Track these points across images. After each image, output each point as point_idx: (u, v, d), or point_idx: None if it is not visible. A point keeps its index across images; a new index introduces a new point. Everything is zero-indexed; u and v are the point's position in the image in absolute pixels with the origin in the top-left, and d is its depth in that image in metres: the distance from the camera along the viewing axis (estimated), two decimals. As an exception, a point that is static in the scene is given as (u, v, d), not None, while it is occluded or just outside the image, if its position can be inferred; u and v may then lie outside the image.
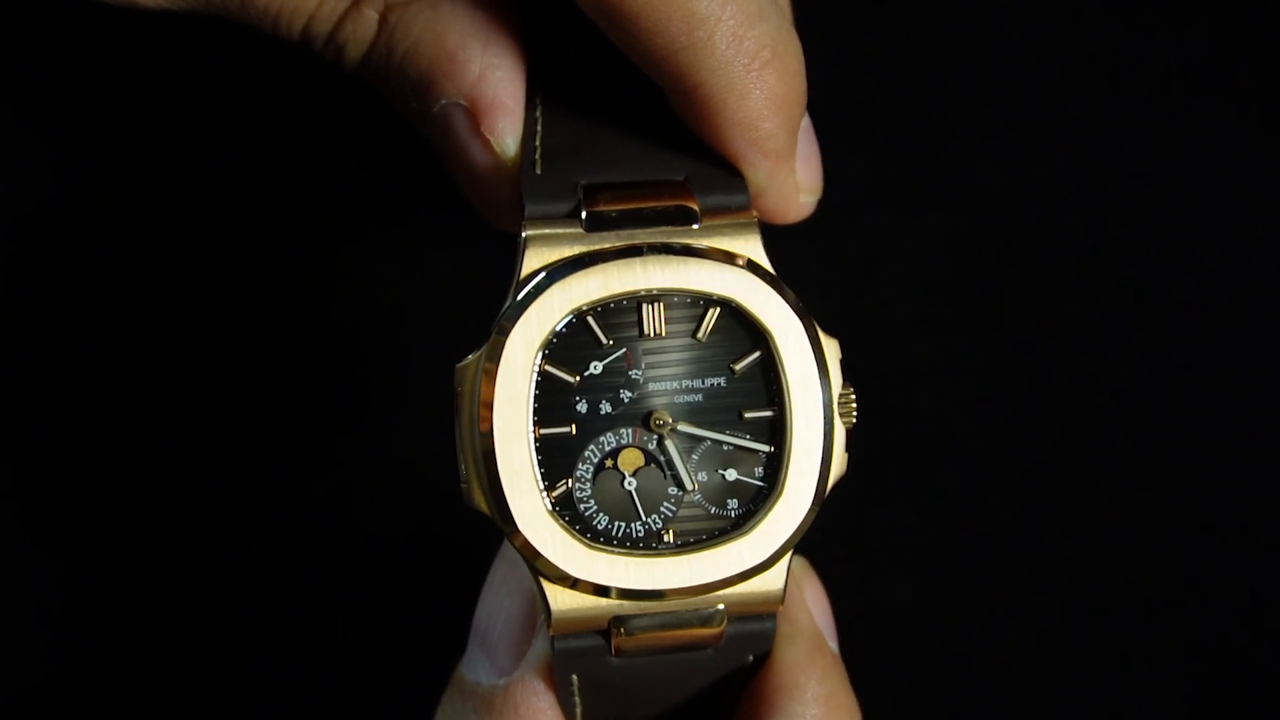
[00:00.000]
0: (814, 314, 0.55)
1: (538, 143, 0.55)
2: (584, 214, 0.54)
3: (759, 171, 0.56)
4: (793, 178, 0.57)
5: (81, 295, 0.71)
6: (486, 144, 0.55)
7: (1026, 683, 0.76)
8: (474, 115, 0.55)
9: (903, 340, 0.76)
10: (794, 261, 0.57)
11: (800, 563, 0.60)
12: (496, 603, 0.58)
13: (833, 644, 0.59)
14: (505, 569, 0.58)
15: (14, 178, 0.70)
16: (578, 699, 0.56)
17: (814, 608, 0.59)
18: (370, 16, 0.56)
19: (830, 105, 0.60)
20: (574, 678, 0.55)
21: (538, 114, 0.56)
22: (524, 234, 0.53)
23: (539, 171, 0.55)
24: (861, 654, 0.61)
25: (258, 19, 0.56)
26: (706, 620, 0.54)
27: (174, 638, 0.72)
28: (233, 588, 0.72)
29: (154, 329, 0.71)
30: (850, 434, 0.55)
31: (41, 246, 0.71)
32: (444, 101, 0.55)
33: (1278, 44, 0.76)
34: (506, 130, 0.55)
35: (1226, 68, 0.76)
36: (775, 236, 0.56)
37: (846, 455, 0.55)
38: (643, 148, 0.56)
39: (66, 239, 0.71)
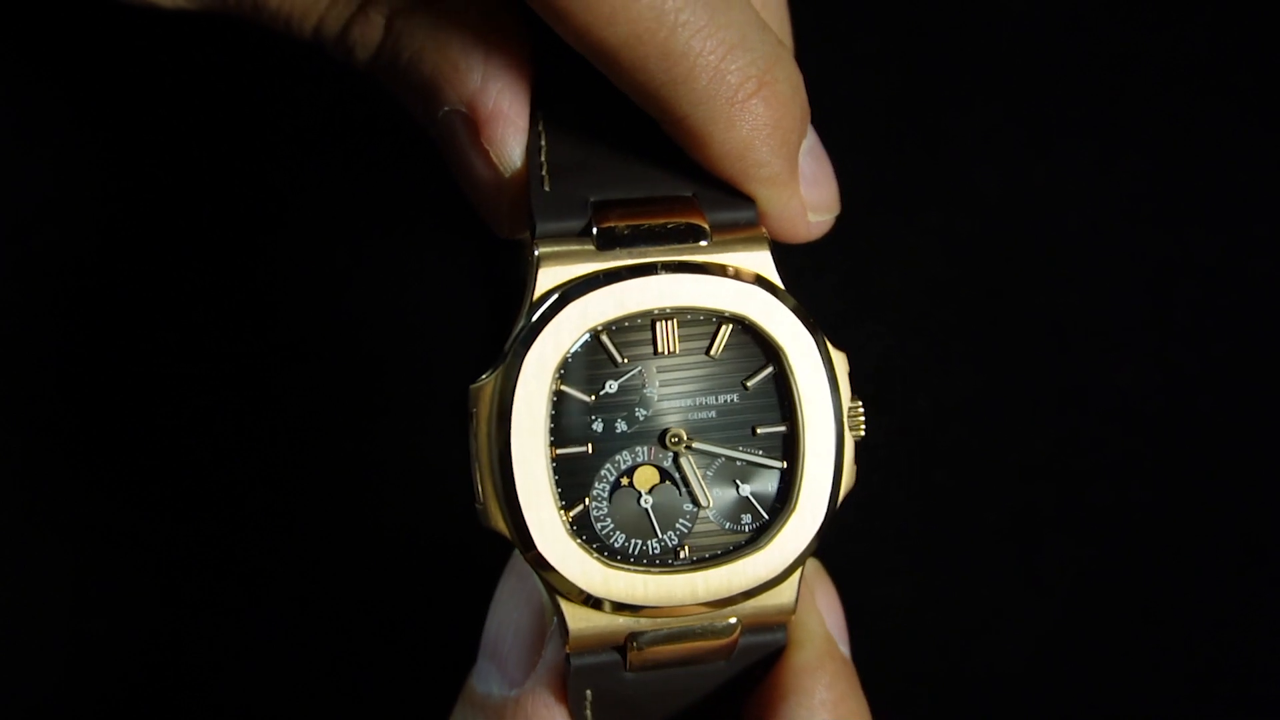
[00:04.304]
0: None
1: (544, 159, 0.55)
2: (595, 231, 0.53)
3: (757, 196, 0.55)
4: (796, 200, 0.56)
5: (84, 296, 0.70)
6: (485, 154, 0.55)
7: (1025, 683, 0.76)
8: (474, 124, 0.55)
9: (901, 341, 0.76)
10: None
11: (813, 565, 0.61)
12: (506, 615, 0.58)
13: (844, 648, 0.59)
14: (515, 581, 0.58)
15: (16, 178, 0.70)
16: (589, 714, 0.56)
17: (825, 611, 0.59)
18: (377, 21, 0.55)
19: (828, 106, 0.60)
20: (588, 693, 0.55)
21: (540, 129, 0.55)
22: (536, 252, 0.53)
23: (548, 189, 0.54)
24: (859, 655, 0.61)
25: (270, 20, 0.56)
26: (720, 633, 0.54)
27: (183, 643, 0.72)
28: (242, 596, 0.72)
29: (156, 329, 0.71)
30: (859, 445, 0.55)
31: (44, 247, 0.70)
32: (446, 109, 0.55)
33: (1278, 44, 0.76)
34: (507, 140, 0.55)
35: (1226, 68, 0.76)
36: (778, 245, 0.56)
37: (855, 467, 0.55)
38: (649, 164, 0.55)
39: (69, 239, 0.70)
